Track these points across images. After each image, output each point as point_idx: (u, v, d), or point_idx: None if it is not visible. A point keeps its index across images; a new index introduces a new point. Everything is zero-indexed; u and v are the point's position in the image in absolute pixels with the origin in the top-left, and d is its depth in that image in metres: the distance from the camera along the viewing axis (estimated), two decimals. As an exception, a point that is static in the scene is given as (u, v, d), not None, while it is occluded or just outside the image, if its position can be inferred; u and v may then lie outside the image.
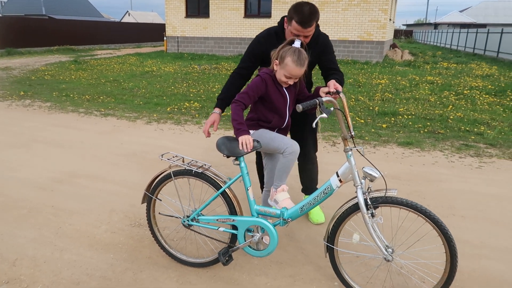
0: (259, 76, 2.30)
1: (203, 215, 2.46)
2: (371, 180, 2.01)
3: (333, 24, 16.72)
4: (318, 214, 3.13)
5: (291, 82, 2.27)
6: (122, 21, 54.67)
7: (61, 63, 15.50)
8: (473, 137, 5.55)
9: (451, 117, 6.69)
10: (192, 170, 2.36)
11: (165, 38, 20.36)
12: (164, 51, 20.91)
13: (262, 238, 2.34)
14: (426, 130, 5.93)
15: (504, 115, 6.99)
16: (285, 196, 2.36)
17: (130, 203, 3.45)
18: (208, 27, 19.10)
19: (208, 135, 2.55)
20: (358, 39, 16.59)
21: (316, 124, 1.99)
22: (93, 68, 13.88)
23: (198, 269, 2.53)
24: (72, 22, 25.82)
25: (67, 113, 6.98)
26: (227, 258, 2.32)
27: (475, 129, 5.94)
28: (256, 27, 18.18)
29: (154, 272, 2.50)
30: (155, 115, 6.84)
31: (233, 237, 2.41)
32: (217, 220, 2.39)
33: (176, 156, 2.45)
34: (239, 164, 2.26)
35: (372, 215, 2.04)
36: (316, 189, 3.21)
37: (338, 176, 2.12)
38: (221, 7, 18.55)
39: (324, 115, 1.90)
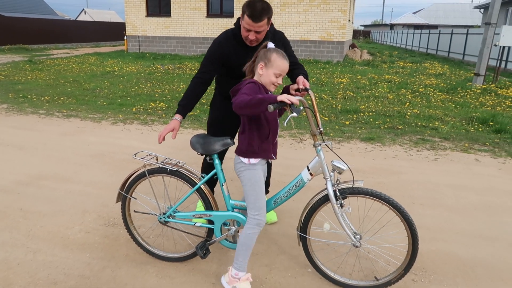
0: (250, 82, 2.13)
1: (179, 211, 2.52)
2: (339, 173, 2.15)
3: (295, 24, 17.05)
4: (271, 214, 3.19)
5: (280, 81, 2.17)
6: (78, 19, 52.77)
7: (15, 63, 14.81)
8: (428, 132, 5.92)
9: (408, 113, 7.07)
10: (167, 168, 2.40)
11: (125, 38, 19.92)
12: (124, 51, 20.44)
13: (238, 231, 2.44)
14: (386, 126, 6.25)
15: (455, 111, 7.48)
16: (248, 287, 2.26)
17: (102, 203, 3.43)
18: (170, 27, 18.89)
19: (162, 141, 2.41)
20: (319, 39, 17.02)
21: (288, 122, 2.06)
22: (50, 68, 13.37)
23: (176, 263, 2.59)
24: (24, 20, 24.64)
25: (26, 114, 6.73)
26: (204, 252, 2.40)
27: (430, 124, 6.33)
28: (219, 26, 18.19)
29: (132, 268, 2.53)
30: (120, 115, 6.75)
31: (210, 231, 2.49)
32: (194, 216, 2.46)
33: (149, 154, 2.48)
34: (213, 161, 2.34)
35: (341, 205, 2.18)
36: (268, 191, 3.33)
37: (308, 170, 2.25)
38: (182, 6, 18.40)
39: (295, 114, 1.94)
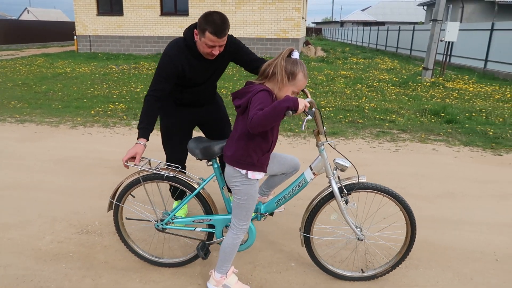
0: (264, 90, 1.92)
1: (177, 217, 2.47)
2: (342, 170, 2.18)
3: (250, 22, 17.14)
4: None
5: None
6: (20, 19, 49.78)
7: (-47, 66, 13.74)
8: (387, 125, 6.20)
9: (366, 107, 7.36)
10: (164, 175, 2.30)
11: (75, 37, 19.07)
12: (75, 51, 19.57)
13: None
14: (347, 120, 6.47)
15: (409, 103, 7.88)
16: (236, 278, 2.31)
17: (72, 211, 3.30)
18: (122, 26, 18.32)
19: (127, 167, 2.24)
20: (275, 37, 17.23)
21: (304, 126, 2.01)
22: (-6, 71, 12.54)
23: (160, 267, 2.55)
24: (-40, 19, 22.90)
25: (-26, 121, 6.30)
26: (205, 252, 2.36)
27: (388, 117, 6.63)
28: (173, 25, 17.89)
29: (114, 275, 2.47)
30: (79, 119, 6.48)
31: (210, 235, 2.45)
32: (194, 221, 2.41)
33: (143, 159, 2.33)
34: (212, 165, 2.30)
35: (346, 202, 2.22)
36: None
37: (311, 169, 2.26)
38: (135, 5, 17.91)
39: (309, 116, 1.93)
